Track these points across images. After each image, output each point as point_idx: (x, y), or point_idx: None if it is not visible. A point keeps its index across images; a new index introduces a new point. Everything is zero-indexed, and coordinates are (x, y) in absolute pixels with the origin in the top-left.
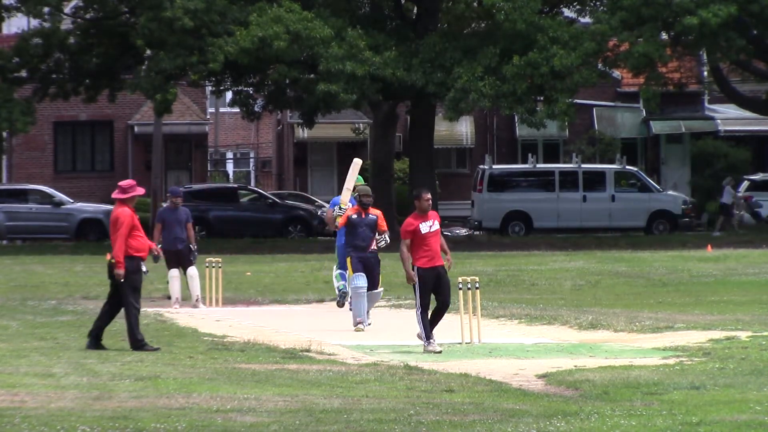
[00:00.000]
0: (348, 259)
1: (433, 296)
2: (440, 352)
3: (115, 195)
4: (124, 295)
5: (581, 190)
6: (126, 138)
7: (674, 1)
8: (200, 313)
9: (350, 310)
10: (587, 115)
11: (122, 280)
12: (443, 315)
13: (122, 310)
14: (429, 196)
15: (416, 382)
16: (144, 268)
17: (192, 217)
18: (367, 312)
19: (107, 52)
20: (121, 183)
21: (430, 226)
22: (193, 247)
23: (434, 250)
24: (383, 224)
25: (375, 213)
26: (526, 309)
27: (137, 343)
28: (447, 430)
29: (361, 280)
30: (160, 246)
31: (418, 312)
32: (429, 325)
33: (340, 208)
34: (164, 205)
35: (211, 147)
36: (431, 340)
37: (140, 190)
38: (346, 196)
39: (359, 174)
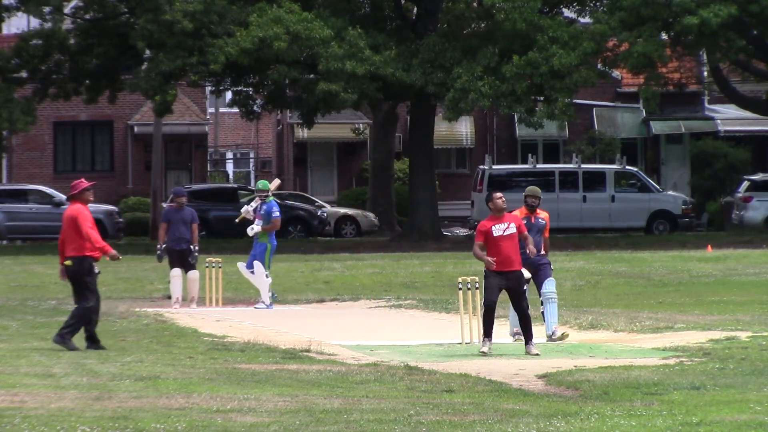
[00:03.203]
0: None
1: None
2: (485, 353)
3: (69, 196)
4: (79, 297)
5: (581, 190)
6: (126, 138)
7: (674, 1)
8: (200, 313)
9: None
10: (587, 115)
11: (108, 261)
12: (527, 323)
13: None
14: (500, 194)
15: (416, 382)
16: (96, 269)
17: (198, 218)
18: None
19: (107, 53)
20: (72, 183)
21: (504, 229)
22: (194, 248)
23: (505, 254)
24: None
25: (543, 216)
26: None
27: (63, 338)
28: (447, 430)
29: (553, 285)
30: (164, 245)
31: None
32: (490, 325)
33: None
34: (164, 205)
35: (211, 147)
36: (485, 340)
37: (87, 184)
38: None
39: (264, 179)
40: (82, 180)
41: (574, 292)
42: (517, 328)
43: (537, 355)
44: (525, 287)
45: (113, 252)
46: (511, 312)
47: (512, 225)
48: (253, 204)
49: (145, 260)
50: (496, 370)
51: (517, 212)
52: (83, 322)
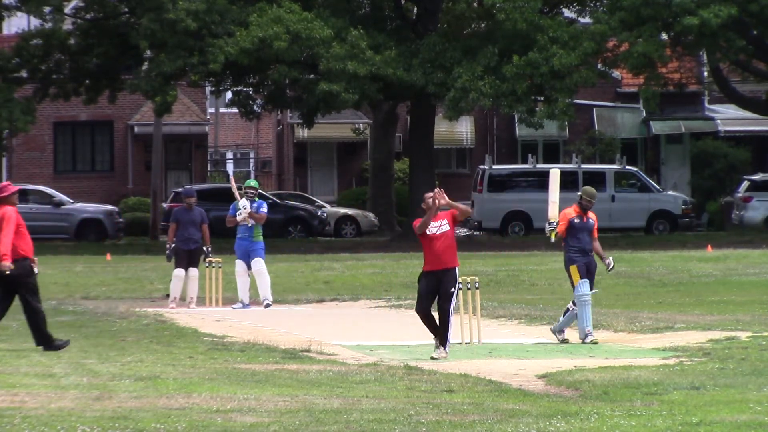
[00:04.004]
0: (574, 267)
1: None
2: (435, 359)
3: None
4: (26, 302)
5: None
6: (126, 138)
7: (674, 1)
8: (200, 313)
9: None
10: (587, 115)
11: (8, 272)
12: (444, 326)
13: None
14: (430, 194)
15: (416, 382)
16: (36, 269)
17: (207, 218)
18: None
19: (107, 53)
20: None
21: (438, 227)
22: (207, 248)
23: (437, 253)
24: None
25: (593, 217)
26: (526, 309)
27: (47, 345)
28: (447, 430)
29: (587, 287)
30: (173, 245)
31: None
32: (434, 327)
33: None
34: (164, 205)
35: (211, 147)
36: (440, 346)
37: (14, 188)
38: (553, 210)
39: (253, 179)
40: (9, 183)
41: None
42: (589, 329)
43: (435, 359)
44: (453, 290)
45: (8, 264)
46: (584, 311)
47: (445, 222)
48: (245, 202)
49: (145, 260)
50: (496, 370)
51: (570, 210)
52: (40, 320)
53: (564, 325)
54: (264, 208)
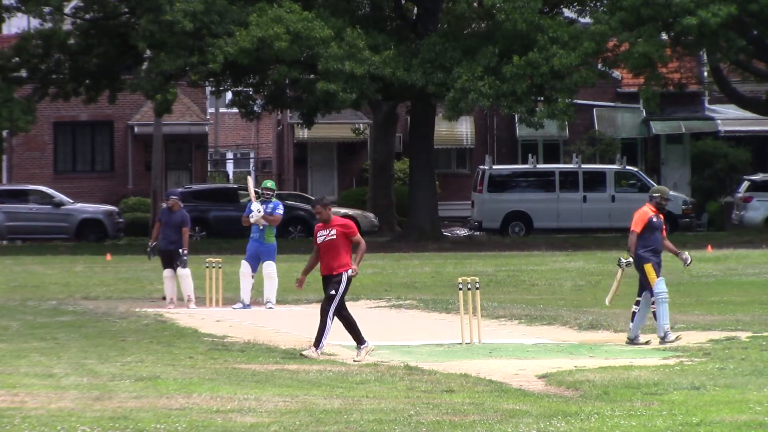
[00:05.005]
0: (649, 265)
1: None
2: (358, 361)
3: None
4: None
5: (581, 190)
6: (126, 138)
7: (674, 1)
8: (200, 313)
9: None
10: (587, 115)
11: None
12: (322, 327)
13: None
14: (319, 208)
15: (416, 383)
16: None
17: (190, 221)
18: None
19: (107, 53)
20: None
21: (325, 236)
22: (182, 251)
23: (324, 260)
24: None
25: (661, 216)
26: (526, 309)
27: None
28: (447, 430)
29: (664, 285)
30: (155, 244)
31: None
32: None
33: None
34: (164, 205)
35: (211, 147)
36: (360, 347)
37: None
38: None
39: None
40: None
41: (574, 292)
42: (668, 326)
43: (306, 357)
44: (334, 292)
45: None
46: (662, 308)
47: (333, 231)
48: (258, 205)
49: (145, 260)
50: (496, 370)
51: (646, 209)
52: None
53: (637, 329)
54: (279, 210)
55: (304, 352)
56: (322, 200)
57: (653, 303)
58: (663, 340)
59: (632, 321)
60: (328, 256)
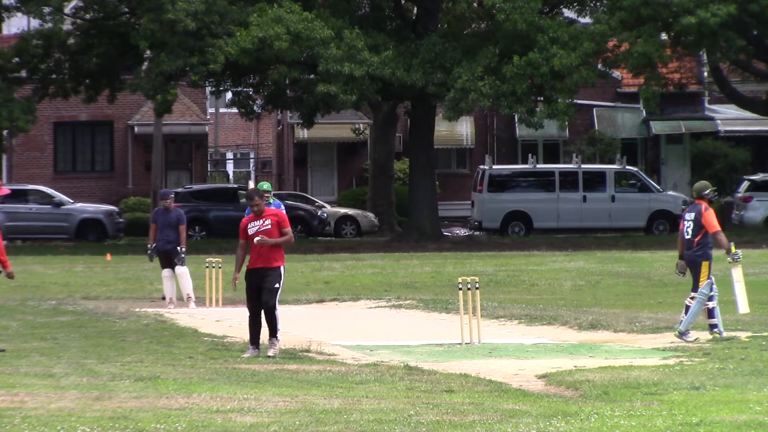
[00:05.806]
0: (709, 264)
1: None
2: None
3: None
4: None
5: (581, 190)
6: (126, 138)
7: (673, 1)
8: (200, 313)
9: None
10: (587, 115)
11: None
12: (270, 323)
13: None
14: (258, 199)
15: (416, 383)
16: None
17: (186, 219)
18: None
19: (107, 53)
20: None
21: (258, 226)
22: (180, 248)
23: (257, 251)
24: None
25: None
26: (526, 309)
27: None
28: (447, 430)
29: (712, 288)
30: (155, 245)
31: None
32: (255, 331)
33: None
34: (162, 205)
35: (211, 147)
36: (251, 347)
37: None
38: None
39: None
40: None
41: (574, 292)
42: (715, 320)
43: (273, 357)
44: (277, 285)
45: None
46: (694, 307)
47: (267, 221)
48: None
49: (145, 260)
50: (496, 370)
51: (706, 205)
52: None
53: (687, 323)
54: (282, 209)
55: (270, 353)
56: (258, 191)
57: (710, 299)
58: (681, 335)
59: (685, 313)
60: (265, 247)
